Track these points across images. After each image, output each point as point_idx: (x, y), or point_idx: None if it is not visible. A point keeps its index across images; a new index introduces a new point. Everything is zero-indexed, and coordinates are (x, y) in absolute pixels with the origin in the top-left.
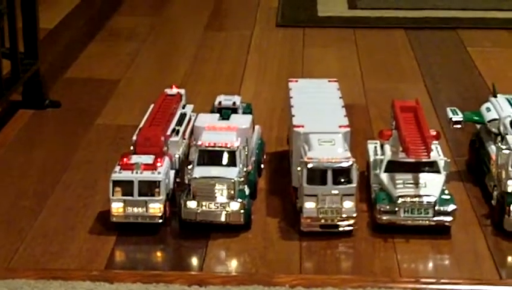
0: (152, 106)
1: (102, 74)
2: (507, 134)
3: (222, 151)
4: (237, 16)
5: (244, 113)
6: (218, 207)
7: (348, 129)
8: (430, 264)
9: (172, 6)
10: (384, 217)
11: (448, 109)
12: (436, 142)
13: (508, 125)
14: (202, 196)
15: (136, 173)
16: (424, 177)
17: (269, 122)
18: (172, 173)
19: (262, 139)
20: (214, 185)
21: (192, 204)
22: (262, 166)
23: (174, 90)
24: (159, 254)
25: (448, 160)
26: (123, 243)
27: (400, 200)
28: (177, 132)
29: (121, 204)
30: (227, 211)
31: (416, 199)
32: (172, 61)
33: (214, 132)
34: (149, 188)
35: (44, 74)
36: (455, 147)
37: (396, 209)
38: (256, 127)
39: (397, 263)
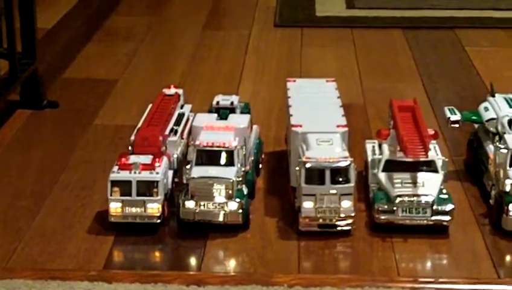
0: (150, 106)
1: (100, 74)
2: (505, 133)
3: (220, 151)
4: (235, 16)
5: (242, 112)
6: (216, 207)
7: (346, 129)
8: (428, 264)
9: (170, 5)
10: (383, 217)
11: (446, 109)
12: (434, 141)
13: (506, 125)
14: (200, 195)
15: (134, 173)
16: (422, 176)
17: (267, 122)
18: (170, 173)
19: (261, 139)
20: (212, 184)
21: (190, 204)
22: (260, 166)
23: (172, 90)
24: (157, 253)
25: (446, 159)
26: (121, 243)
27: (398, 199)
28: (175, 132)
29: (119, 204)
30: (225, 211)
31: (414, 199)
32: (170, 61)
33: (212, 131)
34: (147, 188)
35: (42, 74)
36: (453, 146)
37: (395, 208)
38: (254, 126)
39: (395, 262)
